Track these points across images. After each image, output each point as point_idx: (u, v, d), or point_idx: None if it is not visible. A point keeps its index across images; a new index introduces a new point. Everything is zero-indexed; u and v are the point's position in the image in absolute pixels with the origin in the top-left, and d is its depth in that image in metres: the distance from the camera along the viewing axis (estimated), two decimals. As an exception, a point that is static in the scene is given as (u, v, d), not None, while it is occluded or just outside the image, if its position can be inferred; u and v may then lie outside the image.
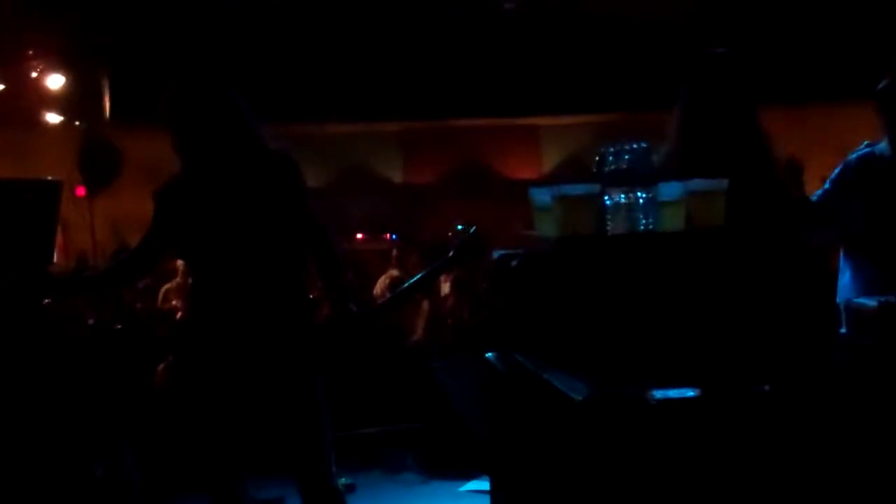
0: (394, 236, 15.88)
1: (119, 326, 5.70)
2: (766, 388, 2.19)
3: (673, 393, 2.12)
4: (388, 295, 7.44)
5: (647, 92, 13.43)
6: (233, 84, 3.57)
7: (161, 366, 6.68)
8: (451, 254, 3.72)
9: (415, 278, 4.03)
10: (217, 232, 3.43)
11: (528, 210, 2.88)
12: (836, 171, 3.54)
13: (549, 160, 17.03)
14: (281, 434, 3.52)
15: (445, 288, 8.40)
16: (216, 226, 3.42)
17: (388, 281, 8.06)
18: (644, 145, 2.62)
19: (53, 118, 15.06)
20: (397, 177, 18.03)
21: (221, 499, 3.55)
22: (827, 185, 3.55)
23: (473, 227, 3.77)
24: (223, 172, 3.44)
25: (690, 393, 2.13)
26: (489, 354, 3.11)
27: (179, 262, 10.14)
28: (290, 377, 3.47)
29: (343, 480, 5.90)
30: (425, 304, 7.93)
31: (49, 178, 4.32)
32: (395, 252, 10.98)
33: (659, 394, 2.12)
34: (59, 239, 4.13)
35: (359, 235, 16.25)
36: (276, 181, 3.48)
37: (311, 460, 3.54)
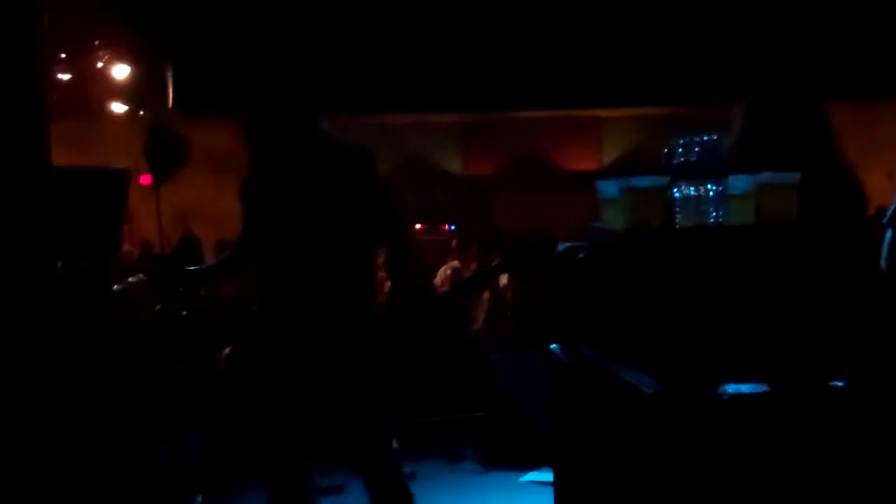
0: (452, 227, 15.89)
1: (184, 313, 5.77)
2: (840, 383, 2.16)
3: (745, 388, 2.10)
4: (448, 286, 7.46)
5: (710, 84, 13.28)
6: (293, 75, 3.60)
7: (224, 352, 6.76)
8: (513, 258, 3.73)
9: (475, 276, 4.04)
10: (288, 224, 3.46)
11: (588, 202, 2.87)
12: None
13: (610, 152, 16.92)
14: (342, 427, 3.56)
15: (503, 279, 8.39)
16: (287, 218, 3.45)
17: (448, 272, 8.07)
18: (714, 138, 2.60)
19: (118, 108, 15.28)
20: (457, 168, 18.03)
21: (283, 485, 3.59)
22: None
23: (543, 238, 3.76)
24: (293, 166, 3.47)
25: (762, 388, 2.11)
26: (553, 346, 3.10)
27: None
28: (353, 369, 3.50)
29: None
30: (486, 295, 7.92)
31: (116, 166, 4.39)
32: (454, 243, 10.96)
33: (731, 388, 2.09)
34: (124, 227, 4.21)
35: (417, 226, 16.28)
36: (346, 173, 3.51)
37: (372, 452, 3.56)
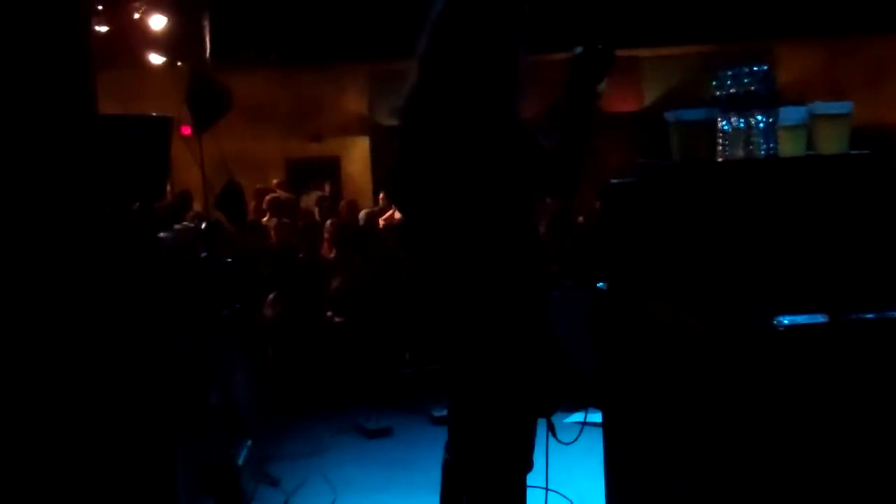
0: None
1: (229, 260, 5.80)
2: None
3: (801, 319, 2.07)
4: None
5: (751, 21, 13.02)
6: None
7: (269, 298, 6.82)
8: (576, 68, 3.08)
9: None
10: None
11: (630, 143, 2.84)
12: None
13: (650, 93, 16.66)
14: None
15: (541, 228, 8.33)
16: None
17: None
18: (764, 67, 2.55)
19: (156, 59, 15.29)
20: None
21: None
22: None
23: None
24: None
25: (820, 318, 2.08)
26: (601, 284, 3.09)
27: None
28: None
29: (445, 413, 5.98)
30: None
31: (160, 114, 4.40)
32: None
33: (787, 320, 2.07)
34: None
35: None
36: None
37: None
